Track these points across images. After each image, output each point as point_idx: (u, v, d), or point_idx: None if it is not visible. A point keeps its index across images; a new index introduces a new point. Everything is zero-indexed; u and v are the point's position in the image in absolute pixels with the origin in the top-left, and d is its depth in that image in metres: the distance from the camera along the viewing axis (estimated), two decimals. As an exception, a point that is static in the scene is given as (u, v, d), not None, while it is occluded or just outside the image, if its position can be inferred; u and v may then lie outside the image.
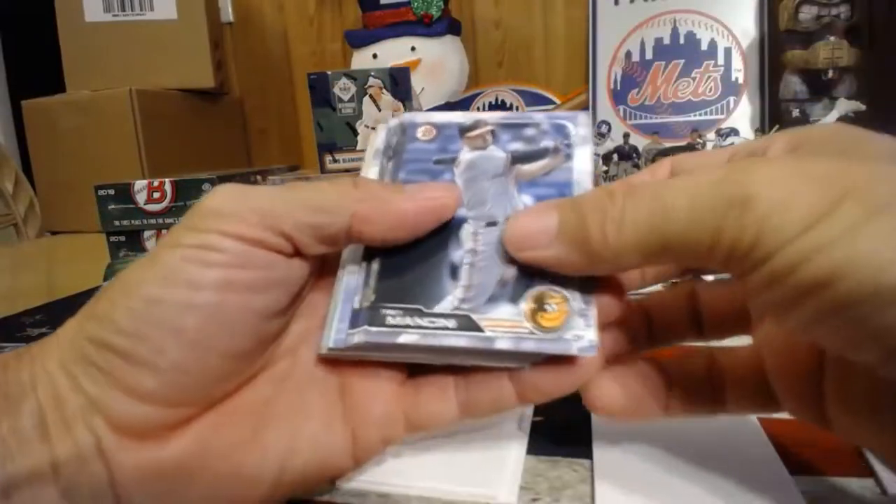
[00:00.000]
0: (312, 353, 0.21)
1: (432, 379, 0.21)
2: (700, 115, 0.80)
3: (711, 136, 0.68)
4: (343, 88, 0.59)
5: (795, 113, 0.70)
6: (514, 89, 0.92)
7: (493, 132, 0.23)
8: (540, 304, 0.19)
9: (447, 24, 0.82)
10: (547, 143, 0.22)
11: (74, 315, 0.19)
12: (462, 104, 0.91)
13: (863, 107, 0.62)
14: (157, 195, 0.57)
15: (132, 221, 0.58)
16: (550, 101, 0.91)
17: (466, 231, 0.21)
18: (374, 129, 0.60)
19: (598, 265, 0.18)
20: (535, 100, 0.91)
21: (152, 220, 0.58)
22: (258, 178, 0.67)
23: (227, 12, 1.07)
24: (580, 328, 0.19)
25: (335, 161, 0.61)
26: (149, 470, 0.17)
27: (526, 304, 0.19)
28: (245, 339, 0.19)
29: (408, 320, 0.20)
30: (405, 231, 0.20)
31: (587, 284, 0.19)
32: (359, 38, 0.85)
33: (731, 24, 0.80)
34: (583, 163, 0.22)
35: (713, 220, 0.15)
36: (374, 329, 0.20)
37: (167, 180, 0.57)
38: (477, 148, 0.23)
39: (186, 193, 0.57)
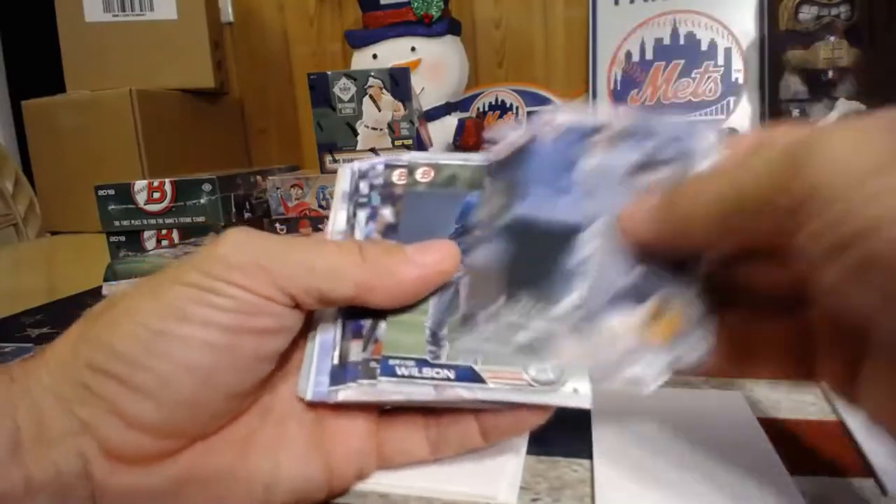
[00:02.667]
0: (292, 389, 0.21)
1: (404, 417, 0.22)
2: (700, 115, 0.80)
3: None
4: (343, 88, 0.59)
5: (795, 113, 0.70)
6: (514, 89, 0.92)
7: (616, 138, 0.22)
8: (658, 312, 0.20)
9: (447, 25, 0.82)
10: (670, 152, 0.22)
11: (64, 337, 0.19)
12: (462, 104, 0.91)
13: (863, 107, 0.62)
14: (157, 195, 0.57)
15: (132, 221, 0.58)
16: (550, 101, 0.91)
17: (585, 237, 0.21)
18: (374, 129, 0.60)
19: (681, 235, 0.19)
20: (535, 100, 0.91)
21: (152, 220, 0.58)
22: (258, 178, 0.67)
23: (227, 12, 1.07)
24: (697, 338, 0.19)
25: (335, 161, 0.61)
26: (134, 496, 0.18)
27: (643, 312, 0.20)
28: (249, 379, 0.19)
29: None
30: (406, 299, 0.21)
31: (704, 298, 0.20)
32: (359, 39, 0.85)
33: (731, 24, 0.80)
34: None
35: (781, 175, 0.15)
36: (363, 383, 0.20)
37: (167, 180, 0.57)
38: (599, 154, 0.22)
39: (186, 193, 0.57)
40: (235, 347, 0.18)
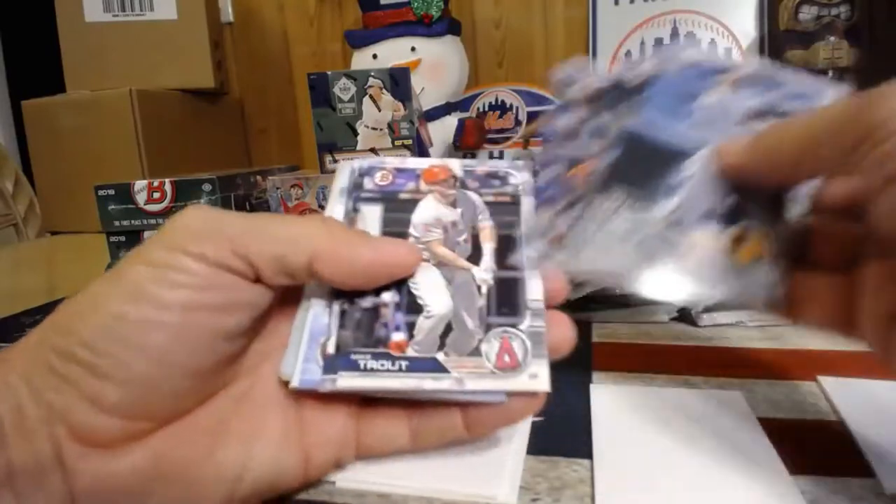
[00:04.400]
0: (272, 375, 0.21)
1: (385, 407, 0.22)
2: (700, 115, 0.80)
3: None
4: (343, 88, 0.59)
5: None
6: (514, 89, 0.92)
7: (743, 81, 0.24)
8: (741, 237, 0.21)
9: (447, 25, 0.82)
10: (790, 106, 0.23)
11: (37, 327, 0.19)
12: (462, 104, 0.91)
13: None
14: (157, 195, 0.57)
15: (132, 221, 0.58)
16: (550, 102, 0.91)
17: (692, 162, 0.22)
18: (374, 129, 0.60)
19: (766, 165, 0.21)
20: (535, 100, 0.91)
21: (152, 220, 0.58)
22: (258, 178, 0.67)
23: (227, 12, 1.07)
24: (770, 273, 0.21)
25: (335, 161, 0.61)
26: (106, 480, 0.18)
27: (729, 233, 0.21)
28: (207, 358, 0.19)
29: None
30: (361, 279, 0.21)
31: (784, 236, 0.21)
32: (359, 39, 0.85)
33: (731, 24, 0.79)
34: None
35: (850, 114, 0.18)
36: (353, 374, 0.20)
37: (167, 180, 0.57)
38: (723, 92, 0.24)
39: (186, 193, 0.57)
40: (190, 325, 0.19)
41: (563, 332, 0.21)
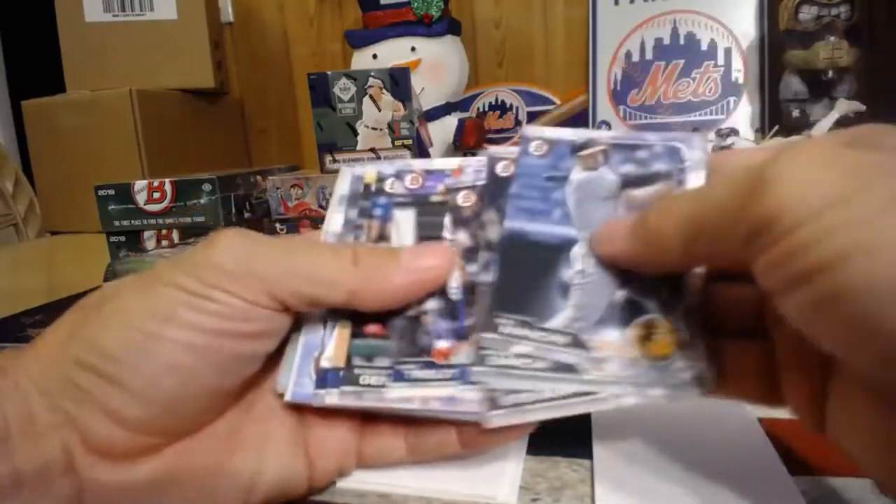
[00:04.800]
0: (273, 387, 0.22)
1: (385, 420, 0.22)
2: (700, 115, 0.80)
3: (711, 136, 0.68)
4: (343, 88, 0.59)
5: (795, 113, 0.70)
6: (514, 89, 0.92)
7: (605, 153, 0.22)
8: (648, 332, 0.20)
9: (447, 25, 0.82)
10: (659, 166, 0.22)
11: (55, 330, 0.19)
12: (462, 104, 0.91)
13: (863, 107, 0.62)
14: (157, 195, 0.57)
15: (132, 221, 0.58)
16: (550, 102, 0.91)
17: (576, 252, 0.21)
18: (374, 129, 0.60)
19: (653, 254, 0.19)
20: (535, 100, 0.91)
21: (152, 220, 0.58)
22: (258, 178, 0.67)
23: (227, 12, 1.07)
24: (690, 360, 0.19)
25: (335, 161, 0.61)
26: (118, 490, 0.18)
27: (634, 331, 0.20)
28: (233, 380, 0.20)
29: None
30: (396, 302, 0.21)
31: (693, 318, 0.20)
32: (359, 39, 0.85)
33: (731, 24, 0.80)
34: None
35: (740, 200, 0.15)
36: (347, 390, 0.21)
37: (167, 180, 0.57)
38: (588, 168, 0.22)
39: (186, 193, 0.57)
40: (218, 349, 0.19)
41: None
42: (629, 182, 0.22)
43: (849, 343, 0.14)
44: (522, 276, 0.21)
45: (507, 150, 0.24)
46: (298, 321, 0.22)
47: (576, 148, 0.23)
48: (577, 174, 0.22)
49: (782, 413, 0.25)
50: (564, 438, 0.24)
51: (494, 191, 0.23)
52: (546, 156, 0.23)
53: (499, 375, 0.20)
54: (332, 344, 0.21)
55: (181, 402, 0.19)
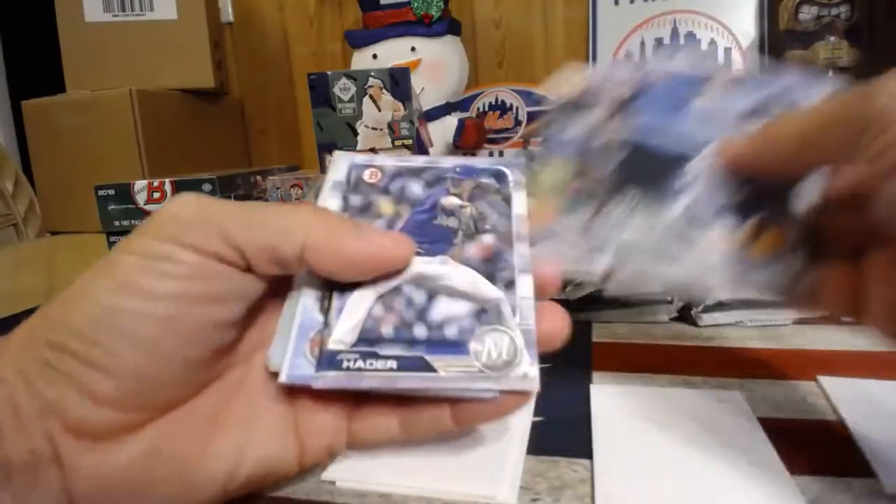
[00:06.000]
0: (265, 364, 0.21)
1: (377, 398, 0.22)
2: (700, 115, 0.80)
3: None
4: (343, 88, 0.59)
5: (795, 113, 0.70)
6: (514, 89, 0.92)
7: (730, 84, 0.24)
8: (757, 233, 0.22)
9: (447, 24, 0.82)
10: (781, 103, 0.23)
11: (29, 319, 0.19)
12: (462, 104, 0.91)
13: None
14: (157, 195, 0.57)
15: (132, 221, 0.58)
16: (550, 102, 0.91)
17: (698, 161, 0.23)
18: (374, 129, 0.60)
19: (772, 154, 0.21)
20: (535, 100, 0.91)
21: (152, 220, 0.58)
22: (258, 178, 0.67)
23: (227, 12, 1.07)
24: (791, 263, 0.21)
25: (335, 161, 0.61)
26: (102, 472, 0.18)
27: (743, 231, 0.22)
28: (200, 349, 0.19)
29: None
30: (353, 271, 0.21)
31: (801, 226, 0.22)
32: (359, 39, 0.85)
33: (731, 24, 0.79)
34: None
35: (853, 104, 0.18)
36: (339, 374, 0.20)
37: (167, 180, 0.57)
38: (714, 96, 0.24)
39: (186, 193, 0.57)
40: (181, 316, 0.18)
41: (556, 323, 0.21)
42: (751, 113, 0.23)
43: None
44: (646, 172, 0.23)
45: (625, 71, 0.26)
46: (291, 297, 0.22)
47: (700, 79, 0.25)
48: (702, 100, 0.24)
49: (782, 413, 0.25)
50: (564, 438, 0.24)
51: (618, 106, 0.25)
52: (670, 83, 0.25)
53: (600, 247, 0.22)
54: (341, 326, 0.21)
55: (151, 375, 0.18)
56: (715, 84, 0.24)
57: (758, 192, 0.22)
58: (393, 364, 0.20)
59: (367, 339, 0.21)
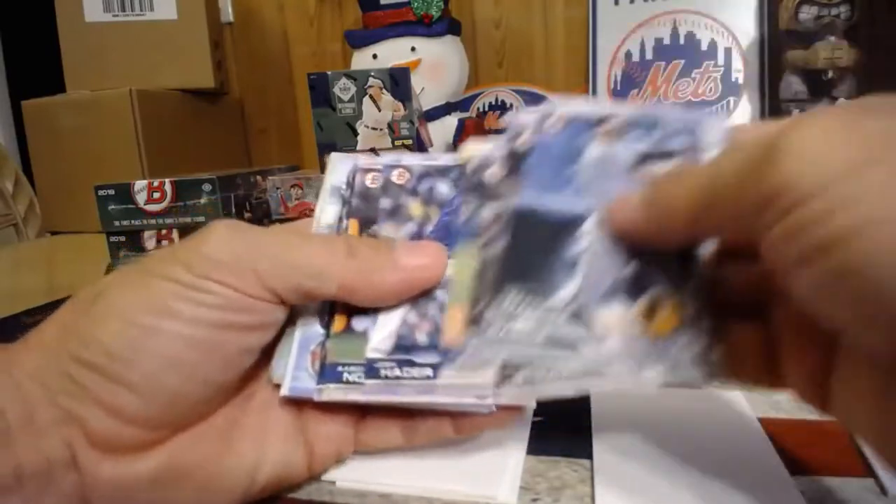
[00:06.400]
0: (269, 376, 0.22)
1: (379, 408, 0.22)
2: (700, 115, 0.80)
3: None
4: (343, 88, 0.59)
5: (796, 113, 0.70)
6: (514, 89, 0.92)
7: (621, 129, 0.22)
8: (653, 309, 0.19)
9: (447, 25, 0.82)
10: (676, 144, 0.21)
11: (50, 325, 0.19)
12: (462, 104, 0.91)
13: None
14: (157, 195, 0.57)
15: (132, 221, 0.58)
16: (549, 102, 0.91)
17: (587, 227, 0.21)
18: (374, 129, 0.60)
19: (662, 225, 0.18)
20: (535, 100, 0.91)
21: (152, 220, 0.58)
22: (258, 178, 0.67)
23: (227, 12, 1.07)
24: (694, 338, 0.18)
25: (335, 161, 0.61)
26: (123, 483, 0.18)
27: (638, 307, 0.19)
28: (234, 372, 0.20)
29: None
30: (388, 300, 0.21)
31: (700, 296, 0.19)
32: (359, 39, 0.85)
33: (731, 24, 0.79)
34: None
35: (751, 170, 0.15)
36: (339, 386, 0.21)
37: (167, 180, 0.57)
38: (605, 144, 0.22)
39: (186, 193, 0.57)
40: (220, 343, 0.19)
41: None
42: (647, 158, 0.21)
43: (860, 320, 0.13)
44: (531, 249, 0.21)
45: (528, 118, 0.23)
46: (293, 312, 0.22)
47: (594, 123, 0.22)
48: (594, 149, 0.22)
49: (782, 413, 0.25)
50: (564, 438, 0.24)
51: (512, 165, 0.23)
52: (562, 132, 0.23)
53: (495, 344, 0.20)
54: (377, 334, 0.21)
55: (184, 396, 0.19)
56: (604, 130, 0.22)
57: (649, 261, 0.19)
58: (429, 372, 0.20)
59: (404, 347, 0.21)
